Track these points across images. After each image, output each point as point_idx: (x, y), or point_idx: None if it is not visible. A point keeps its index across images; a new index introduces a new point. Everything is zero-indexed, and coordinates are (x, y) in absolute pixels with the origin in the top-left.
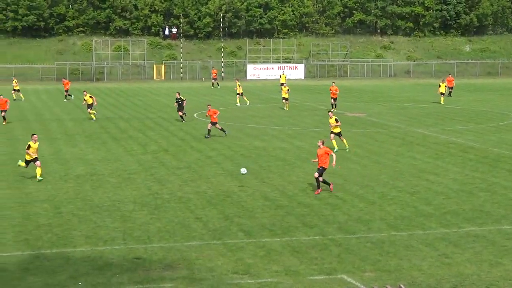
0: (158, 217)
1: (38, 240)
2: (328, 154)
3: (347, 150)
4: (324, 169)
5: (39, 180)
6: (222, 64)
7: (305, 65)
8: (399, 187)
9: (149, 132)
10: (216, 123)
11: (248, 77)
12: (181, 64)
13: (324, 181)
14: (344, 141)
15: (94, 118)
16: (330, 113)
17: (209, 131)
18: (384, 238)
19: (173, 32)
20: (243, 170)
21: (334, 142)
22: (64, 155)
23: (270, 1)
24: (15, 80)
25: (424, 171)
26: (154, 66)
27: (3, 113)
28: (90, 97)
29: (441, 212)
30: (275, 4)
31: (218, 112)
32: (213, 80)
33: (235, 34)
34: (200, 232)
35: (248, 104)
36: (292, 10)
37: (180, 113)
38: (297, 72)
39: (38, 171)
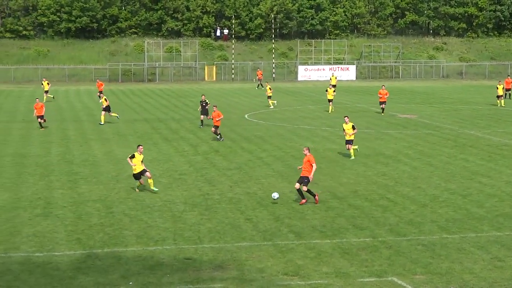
0: (209, 218)
1: (90, 239)
2: (310, 163)
3: (352, 158)
4: (308, 178)
5: (155, 191)
6: (273, 65)
7: (356, 67)
8: (451, 189)
9: (200, 133)
10: (217, 127)
11: (299, 78)
12: (232, 65)
13: (309, 191)
14: (352, 150)
15: (103, 122)
16: (346, 118)
17: (220, 134)
18: (435, 241)
19: (225, 33)
20: (275, 195)
21: (352, 151)
22: (116, 156)
23: (321, 2)
24: (47, 81)
25: (476, 173)
26: (206, 67)
27: (39, 119)
28: (105, 99)
29: (493, 214)
30: (326, 5)
31: (222, 116)
32: (258, 81)
33: (286, 35)
34: (250, 233)
35: (275, 105)
36: (344, 11)
37: (202, 117)
38: (348, 73)
39: (151, 182)
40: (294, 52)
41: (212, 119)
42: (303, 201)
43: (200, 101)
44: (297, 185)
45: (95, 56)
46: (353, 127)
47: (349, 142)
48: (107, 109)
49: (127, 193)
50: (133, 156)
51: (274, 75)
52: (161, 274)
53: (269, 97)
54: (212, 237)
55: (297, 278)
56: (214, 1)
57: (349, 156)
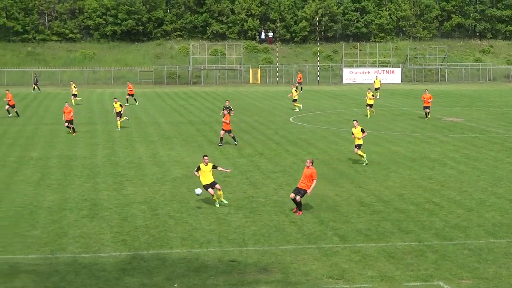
0: (253, 221)
1: (135, 241)
2: (312, 178)
3: (365, 164)
4: (305, 191)
5: (225, 204)
6: (318, 68)
7: (402, 69)
8: (498, 194)
9: (245, 136)
10: (230, 131)
11: (344, 81)
12: (277, 68)
13: (299, 203)
14: (360, 152)
15: (119, 128)
16: (355, 122)
17: (221, 139)
18: (482, 245)
19: (269, 36)
20: (198, 191)
21: (360, 152)
22: (161, 158)
23: (366, 5)
24: (74, 84)
25: None
26: (250, 70)
27: (66, 124)
28: (120, 105)
29: None
30: (371, 8)
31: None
32: (297, 84)
33: (331, 38)
34: (295, 236)
35: (301, 107)
36: (389, 14)
37: None
38: (393, 76)
39: (220, 194)
40: (339, 55)
41: (223, 123)
42: (299, 212)
43: (224, 107)
44: (292, 195)
45: (141, 58)
46: (362, 131)
47: (357, 146)
48: (119, 114)
49: (172, 195)
50: (198, 168)
51: (319, 78)
52: (206, 276)
53: (295, 100)
54: (256, 239)
55: (342, 281)
56: (259, 4)
57: (362, 161)
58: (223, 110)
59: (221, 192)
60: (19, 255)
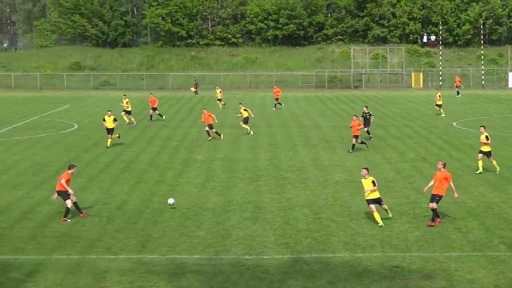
0: (417, 226)
1: (298, 244)
2: (447, 180)
3: (497, 172)
4: (440, 197)
5: (389, 217)
6: (482, 72)
7: None
8: None
9: (407, 140)
10: (357, 136)
11: (510, 85)
12: (440, 72)
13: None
14: (494, 162)
15: (251, 133)
16: (482, 128)
17: (363, 142)
18: None
19: (432, 39)
20: (171, 201)
21: (480, 163)
22: (323, 162)
23: None
24: (219, 89)
25: None
26: (412, 74)
27: (207, 128)
28: (245, 109)
29: None
30: None
31: (361, 125)
32: (456, 88)
33: (496, 41)
34: (459, 243)
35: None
36: None
37: (366, 129)
38: None
39: (386, 208)
40: (505, 58)
41: (352, 128)
42: (438, 220)
43: (363, 113)
44: (434, 205)
45: (302, 62)
46: (487, 138)
47: (484, 152)
48: (246, 120)
49: (334, 199)
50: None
51: (483, 82)
52: (369, 281)
53: (439, 105)
54: (420, 245)
55: None
56: (421, 7)
57: (479, 171)
58: (363, 116)
59: (387, 207)
60: (185, 255)
